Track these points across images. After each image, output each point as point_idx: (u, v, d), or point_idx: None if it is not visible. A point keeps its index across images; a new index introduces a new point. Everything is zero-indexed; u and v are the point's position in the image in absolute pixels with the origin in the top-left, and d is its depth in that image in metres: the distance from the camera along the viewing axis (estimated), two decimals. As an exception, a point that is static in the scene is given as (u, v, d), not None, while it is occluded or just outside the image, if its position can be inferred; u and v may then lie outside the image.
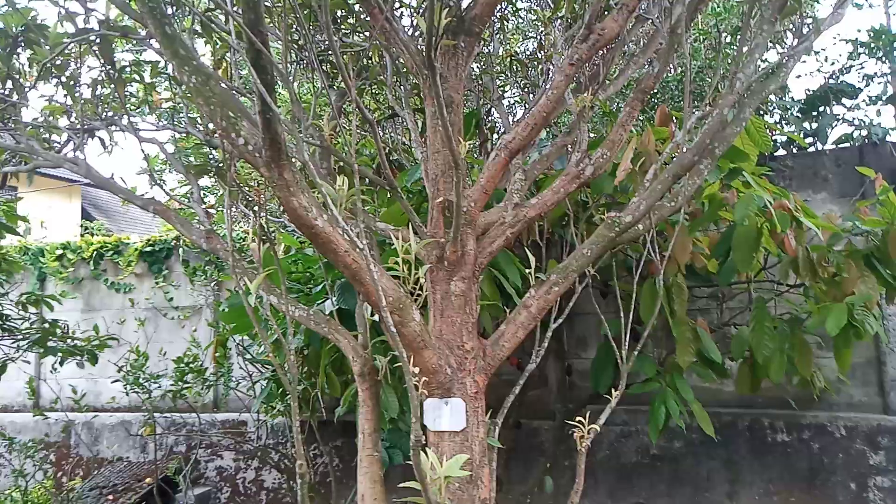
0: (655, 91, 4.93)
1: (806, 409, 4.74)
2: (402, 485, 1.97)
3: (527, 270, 2.46)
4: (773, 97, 5.54)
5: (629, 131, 2.75)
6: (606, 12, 2.53)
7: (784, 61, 2.61)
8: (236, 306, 3.79)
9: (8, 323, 5.01)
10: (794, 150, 5.12)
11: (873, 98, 5.41)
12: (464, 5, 2.70)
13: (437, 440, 2.32)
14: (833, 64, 5.45)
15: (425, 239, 2.43)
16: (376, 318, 2.60)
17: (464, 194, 2.43)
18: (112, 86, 3.65)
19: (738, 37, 2.40)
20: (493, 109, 3.88)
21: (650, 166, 2.67)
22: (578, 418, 2.35)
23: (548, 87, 2.40)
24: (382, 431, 3.34)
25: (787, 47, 2.58)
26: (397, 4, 3.14)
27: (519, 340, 2.46)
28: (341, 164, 3.51)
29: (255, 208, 2.45)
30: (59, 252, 7.20)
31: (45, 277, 7.28)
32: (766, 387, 4.49)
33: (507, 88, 6.20)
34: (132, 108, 4.74)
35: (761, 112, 5.50)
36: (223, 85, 2.54)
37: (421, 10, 2.77)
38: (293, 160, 2.05)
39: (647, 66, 3.18)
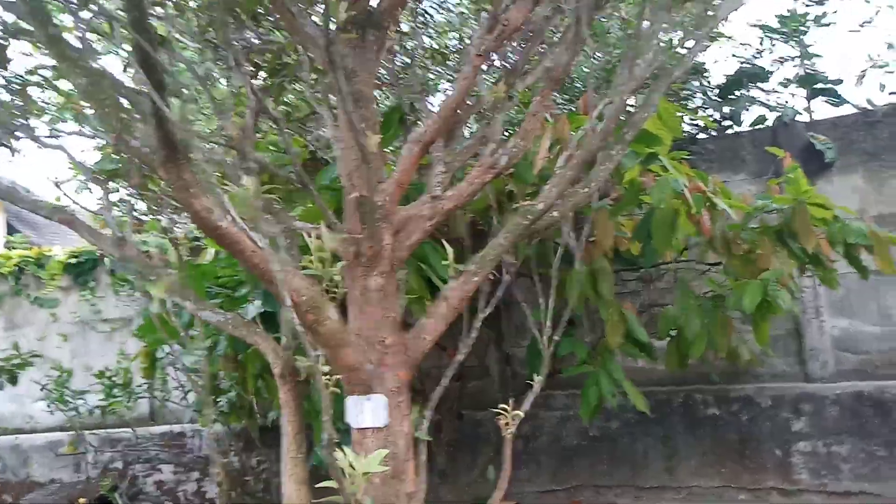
0: (574, 80, 5.03)
1: (734, 383, 4.92)
2: (319, 485, 1.94)
3: (443, 262, 2.46)
4: (695, 83, 5.72)
5: (544, 120, 2.78)
6: (513, 2, 2.54)
7: (687, 48, 2.68)
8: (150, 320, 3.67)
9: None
10: (714, 134, 5.31)
11: (787, 80, 5.65)
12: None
13: (360, 437, 2.30)
14: (746, 48, 5.66)
15: (341, 235, 2.40)
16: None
17: (378, 189, 2.42)
18: (15, 93, 3.48)
19: (635, 24, 2.45)
20: (414, 104, 3.86)
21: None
22: (501, 405, 2.37)
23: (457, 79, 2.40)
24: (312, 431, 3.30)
25: (690, 34, 2.65)
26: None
27: (440, 332, 2.47)
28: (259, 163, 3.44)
29: (161, 212, 2.37)
30: (-24, 268, 6.83)
31: (-39, 296, 6.89)
32: (697, 363, 4.65)
33: (439, 83, 6.21)
34: (55, 114, 4.52)
35: (683, 97, 5.67)
36: (126, 87, 2.45)
37: (322, 5, 2.73)
38: (194, 160, 1.99)
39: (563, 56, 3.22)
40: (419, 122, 4.51)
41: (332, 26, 1.85)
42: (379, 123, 3.41)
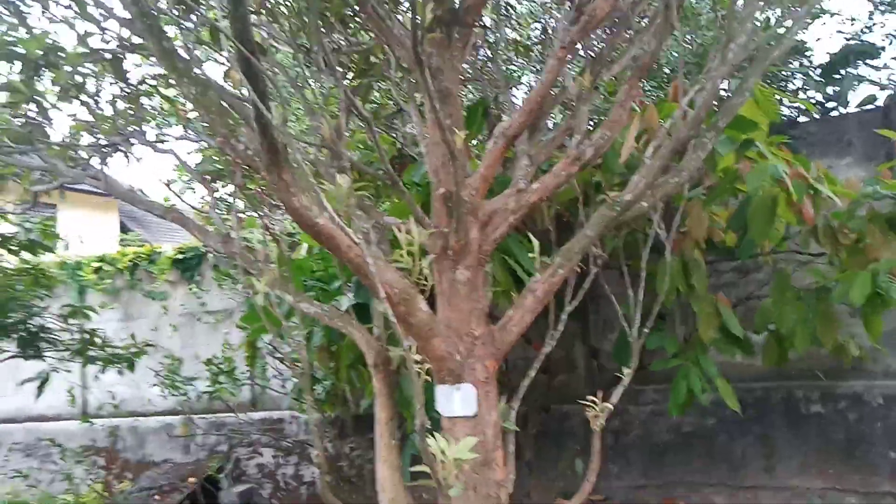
0: (663, 65, 4.87)
1: (841, 380, 4.64)
2: (412, 468, 2.02)
3: (529, 255, 2.48)
4: (795, 63, 5.41)
5: (630, 110, 2.74)
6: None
7: (785, 28, 2.56)
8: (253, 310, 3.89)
9: (51, 335, 5.24)
10: (817, 117, 5.00)
11: (900, 56, 5.24)
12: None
13: (450, 426, 2.36)
14: (853, 24, 5.29)
15: (428, 230, 2.47)
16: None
17: (464, 184, 2.46)
18: (129, 102, 3.79)
19: (728, 6, 2.36)
20: (498, 97, 3.89)
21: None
22: (590, 397, 2.37)
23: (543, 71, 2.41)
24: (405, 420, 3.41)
25: (788, 13, 2.53)
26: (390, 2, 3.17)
27: (527, 324, 2.49)
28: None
29: (263, 210, 2.53)
30: (96, 265, 7.46)
31: (84, 290, 7.54)
32: (798, 359, 4.42)
33: (523, 75, 6.19)
34: (162, 120, 4.89)
35: (782, 78, 5.38)
36: (228, 93, 2.62)
37: (408, 6, 2.80)
38: (294, 162, 2.11)
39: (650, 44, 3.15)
40: (503, 116, 4.53)
41: (419, 26, 1.90)
42: (463, 119, 3.47)
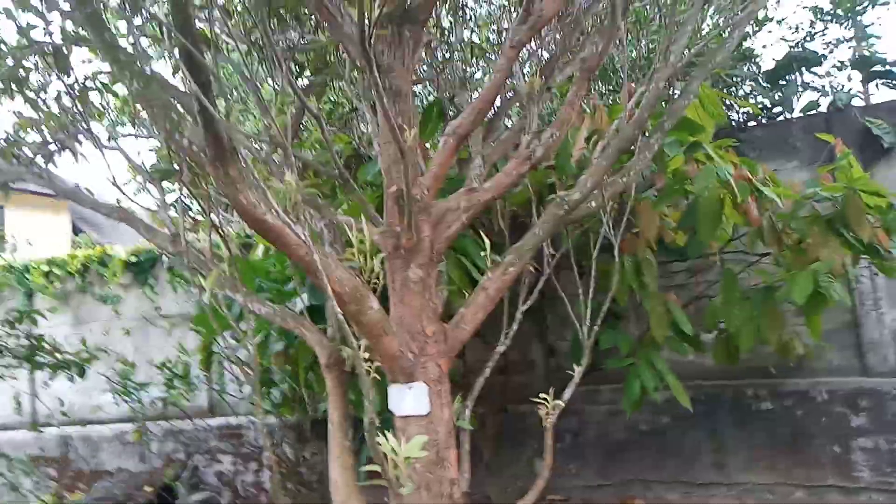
0: (618, 70, 4.97)
1: (788, 377, 4.78)
2: (363, 468, 2.01)
3: (482, 254, 2.50)
4: (743, 68, 5.57)
5: (580, 111, 2.78)
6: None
7: (728, 32, 2.64)
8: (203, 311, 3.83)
9: (-4, 342, 5.05)
10: (764, 121, 5.15)
11: (841, 64, 5.44)
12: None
13: (402, 424, 2.36)
14: (795, 32, 5.47)
15: (380, 228, 2.47)
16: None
17: (415, 182, 2.47)
18: (76, 98, 3.69)
19: (669, 10, 2.42)
20: (454, 98, 3.91)
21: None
22: (542, 395, 2.39)
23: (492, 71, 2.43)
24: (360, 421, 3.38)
25: (730, 18, 2.61)
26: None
27: (479, 322, 2.50)
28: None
29: (215, 210, 2.49)
30: (45, 269, 7.22)
31: (33, 293, 7.30)
32: (748, 357, 4.54)
33: (482, 76, 6.23)
34: (113, 118, 4.77)
35: (731, 83, 5.53)
36: (174, 88, 2.58)
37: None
38: (240, 157, 2.08)
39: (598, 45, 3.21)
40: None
41: (367, 23, 1.90)
42: (419, 118, 3.47)
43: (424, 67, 4.10)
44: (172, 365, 5.04)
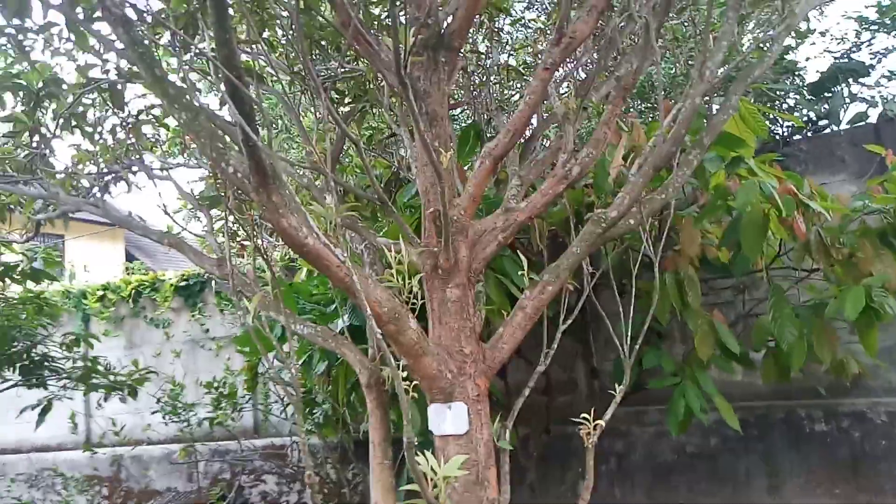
0: (655, 87, 4.93)
1: (843, 397, 4.60)
2: (402, 488, 2.02)
3: (519, 273, 2.51)
4: (787, 82, 5.47)
5: (616, 129, 2.78)
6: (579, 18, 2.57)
7: (766, 46, 2.61)
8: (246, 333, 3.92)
9: (54, 363, 5.26)
10: (809, 134, 5.04)
11: (891, 73, 5.29)
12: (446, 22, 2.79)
13: (442, 444, 2.37)
14: (840, 43, 5.35)
15: (419, 249, 2.50)
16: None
17: (452, 203, 2.50)
18: (130, 131, 3.88)
19: (704, 26, 2.41)
20: (491, 120, 3.95)
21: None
22: (584, 415, 2.37)
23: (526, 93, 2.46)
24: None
25: (767, 33, 2.58)
26: (379, 28, 3.25)
27: (518, 341, 2.50)
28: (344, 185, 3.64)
29: (259, 234, 2.57)
30: (100, 293, 7.52)
31: (89, 318, 7.59)
32: (799, 377, 4.40)
33: (514, 98, 6.29)
34: (165, 149, 4.98)
35: (775, 97, 5.43)
36: (221, 119, 2.69)
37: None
38: (282, 184, 2.15)
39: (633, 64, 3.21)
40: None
41: (402, 51, 1.96)
42: (456, 141, 3.52)
43: (461, 91, 4.17)
44: (219, 385, 5.15)
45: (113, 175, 4.09)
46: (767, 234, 3.39)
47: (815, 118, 5.11)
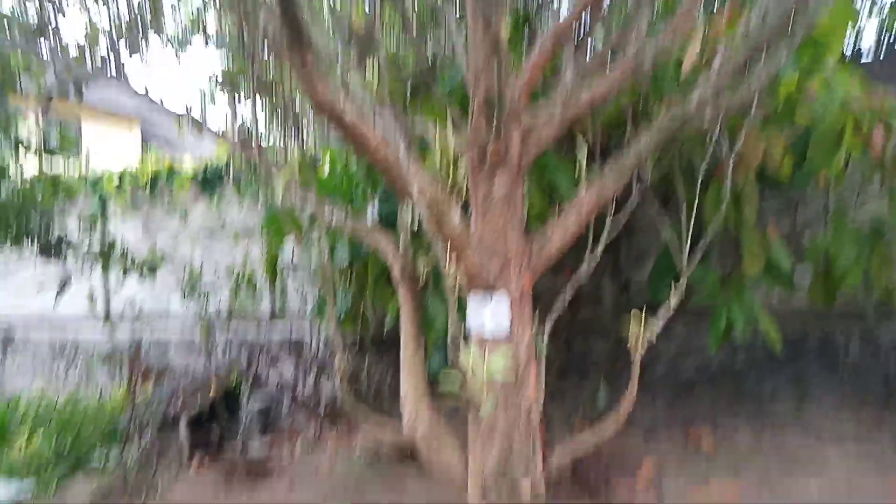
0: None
1: (884, 325, 4.43)
2: (442, 386, 1.89)
3: (579, 167, 2.27)
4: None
5: (694, 20, 2.44)
6: None
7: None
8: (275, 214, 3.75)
9: (71, 242, 5.18)
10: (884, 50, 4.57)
11: None
12: None
13: (480, 343, 2.22)
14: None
15: (466, 136, 2.25)
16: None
17: (508, 85, 2.22)
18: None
19: None
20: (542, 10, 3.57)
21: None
22: (634, 317, 2.20)
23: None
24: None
25: None
26: None
27: (567, 243, 2.30)
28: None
29: (286, 110, 2.32)
30: (117, 179, 7.36)
31: (106, 203, 7.47)
32: (841, 301, 4.21)
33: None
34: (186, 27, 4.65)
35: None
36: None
37: None
38: (316, 46, 1.88)
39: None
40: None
41: None
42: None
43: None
44: (234, 267, 5.07)
45: (128, 44, 3.80)
46: (841, 147, 3.08)
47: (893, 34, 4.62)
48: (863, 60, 4.65)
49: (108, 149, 11.91)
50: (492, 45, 2.04)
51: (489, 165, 2.26)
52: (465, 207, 2.30)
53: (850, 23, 3.26)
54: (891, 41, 4.80)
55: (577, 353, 5.19)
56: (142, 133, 15.69)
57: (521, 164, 2.33)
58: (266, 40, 1.87)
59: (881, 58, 4.68)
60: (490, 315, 2.13)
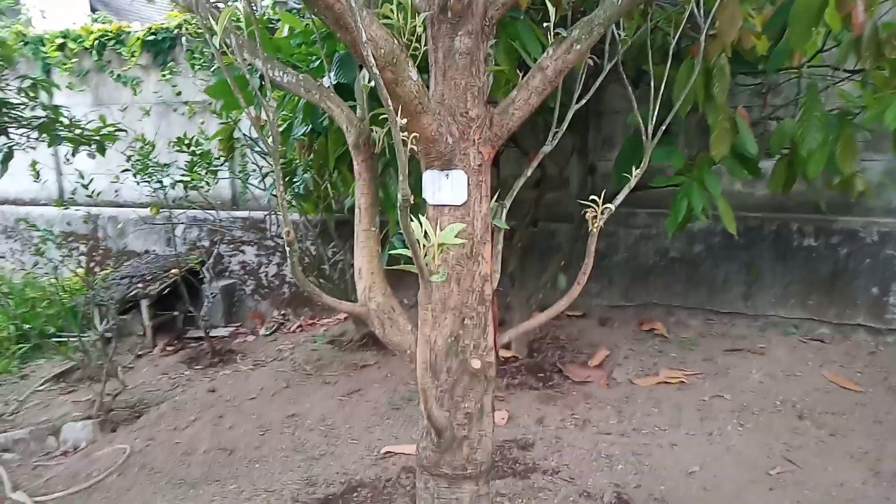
0: None
1: (839, 215, 4.51)
2: (392, 251, 1.83)
3: (544, 24, 2.11)
4: None
5: None
6: None
7: None
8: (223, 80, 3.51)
9: (13, 111, 4.84)
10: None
11: None
12: None
13: (436, 214, 2.15)
14: None
15: (426, -16, 2.06)
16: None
17: (473, -73, 2.01)
18: None
19: None
20: None
21: None
22: (592, 197, 2.14)
23: None
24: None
25: None
26: None
27: (531, 108, 2.18)
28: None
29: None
30: (60, 41, 6.83)
31: (50, 68, 6.99)
32: (801, 191, 4.24)
33: None
34: None
35: None
36: None
37: None
38: None
39: None
40: None
41: None
42: None
43: None
44: (191, 143, 4.84)
45: None
46: (820, 21, 2.95)
47: None
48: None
49: (52, 9, 11.07)
50: None
51: (451, 18, 2.09)
52: (424, 70, 2.16)
53: None
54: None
55: (541, 235, 5.21)
56: (89, -1, 14.55)
57: (487, 18, 2.16)
58: None
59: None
60: (447, 189, 2.05)
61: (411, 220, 1.70)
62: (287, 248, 1.86)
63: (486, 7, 2.07)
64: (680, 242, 4.91)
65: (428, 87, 2.16)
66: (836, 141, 3.38)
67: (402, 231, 1.65)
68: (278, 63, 2.36)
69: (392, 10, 1.98)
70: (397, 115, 1.61)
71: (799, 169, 3.48)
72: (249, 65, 2.33)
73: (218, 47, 1.82)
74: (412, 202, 1.68)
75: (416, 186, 2.22)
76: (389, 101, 1.48)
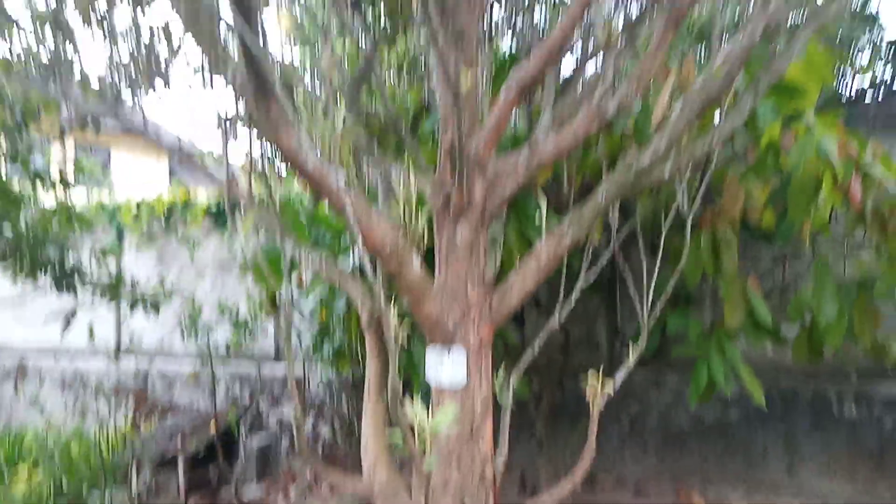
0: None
1: (878, 383, 4.33)
2: (392, 438, 1.91)
3: (539, 216, 2.32)
4: (865, 37, 4.97)
5: (664, 64, 2.50)
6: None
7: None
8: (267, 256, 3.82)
9: (83, 273, 5.33)
10: (880, 94, 4.59)
11: None
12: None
13: (438, 393, 2.24)
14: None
15: (432, 183, 2.33)
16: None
17: (471, 135, 2.30)
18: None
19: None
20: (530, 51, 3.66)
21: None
22: (590, 371, 2.21)
23: (561, 18, 2.21)
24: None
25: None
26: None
27: (528, 291, 2.33)
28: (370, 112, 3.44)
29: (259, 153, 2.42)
30: (135, 210, 7.58)
31: (123, 232, 7.69)
32: (833, 357, 4.14)
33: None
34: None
35: (852, 51, 4.96)
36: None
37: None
38: (281, 97, 1.98)
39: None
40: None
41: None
42: (491, 70, 3.27)
43: (501, 19, 3.87)
44: (232, 309, 5.15)
45: (142, 81, 3.97)
46: (819, 198, 3.08)
47: (888, 79, 4.65)
48: (865, 102, 4.67)
49: (137, 177, 12.30)
50: (453, 96, 2.12)
51: (453, 213, 2.33)
52: (429, 257, 2.36)
53: (832, 68, 3.29)
54: (888, 82, 4.83)
55: (570, 398, 5.14)
56: (169, 161, 16.17)
57: (486, 212, 2.38)
58: (234, 88, 1.97)
59: (878, 100, 4.69)
60: (448, 369, 2.16)
61: (403, 404, 1.79)
62: (294, 427, 1.97)
63: (485, 203, 2.30)
64: (713, 409, 4.76)
65: (431, 274, 2.34)
66: (855, 310, 3.36)
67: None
68: (303, 246, 2.61)
69: (400, 208, 2.21)
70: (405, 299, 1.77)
71: (819, 340, 3.45)
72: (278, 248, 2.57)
73: (245, 237, 2.05)
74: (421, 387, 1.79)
75: (422, 363, 2.34)
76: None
